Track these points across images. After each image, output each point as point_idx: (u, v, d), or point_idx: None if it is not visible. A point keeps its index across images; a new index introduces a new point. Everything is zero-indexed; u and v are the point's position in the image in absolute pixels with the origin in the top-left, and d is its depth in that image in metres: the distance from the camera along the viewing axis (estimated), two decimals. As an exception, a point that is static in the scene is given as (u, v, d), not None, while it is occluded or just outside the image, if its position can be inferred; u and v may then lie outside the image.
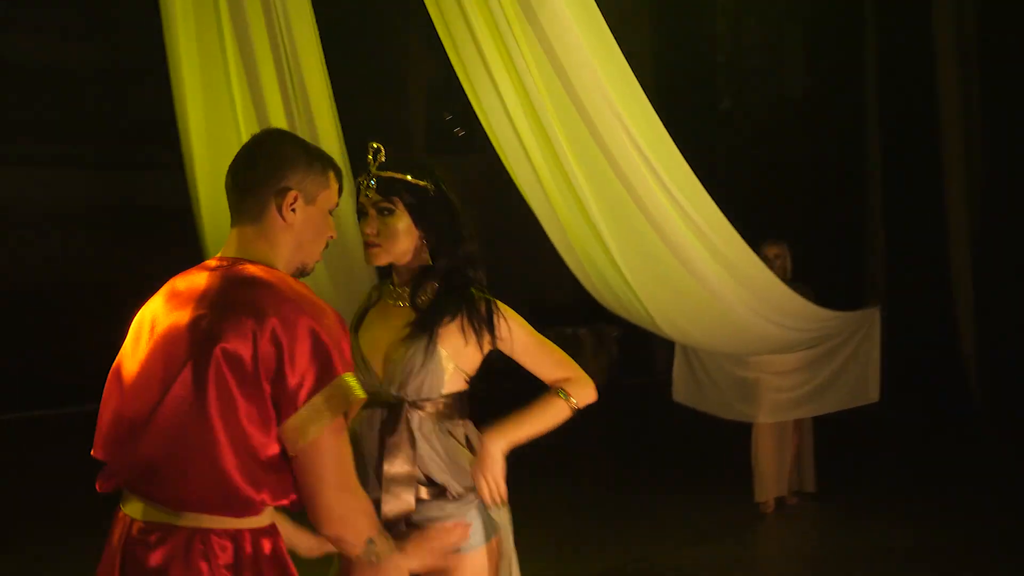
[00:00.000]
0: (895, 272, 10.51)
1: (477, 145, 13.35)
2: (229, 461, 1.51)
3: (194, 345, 1.55)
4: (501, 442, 2.13)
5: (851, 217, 10.56)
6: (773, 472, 5.23)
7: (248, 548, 1.57)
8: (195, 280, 1.66)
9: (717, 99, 11.64)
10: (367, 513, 1.69)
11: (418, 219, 2.13)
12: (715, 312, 3.66)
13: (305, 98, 3.54)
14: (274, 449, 1.56)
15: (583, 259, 3.59)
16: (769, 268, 5.34)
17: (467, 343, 2.13)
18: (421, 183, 2.13)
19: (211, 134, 3.66)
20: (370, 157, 2.16)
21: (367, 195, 2.14)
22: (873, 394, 5.17)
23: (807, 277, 5.33)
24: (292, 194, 1.70)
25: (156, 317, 1.66)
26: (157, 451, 1.55)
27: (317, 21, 3.64)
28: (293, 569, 1.67)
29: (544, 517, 5.46)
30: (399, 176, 2.13)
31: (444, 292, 2.15)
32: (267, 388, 1.53)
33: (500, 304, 2.18)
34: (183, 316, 1.60)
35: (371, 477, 2.09)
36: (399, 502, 2.08)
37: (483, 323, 2.12)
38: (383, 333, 2.16)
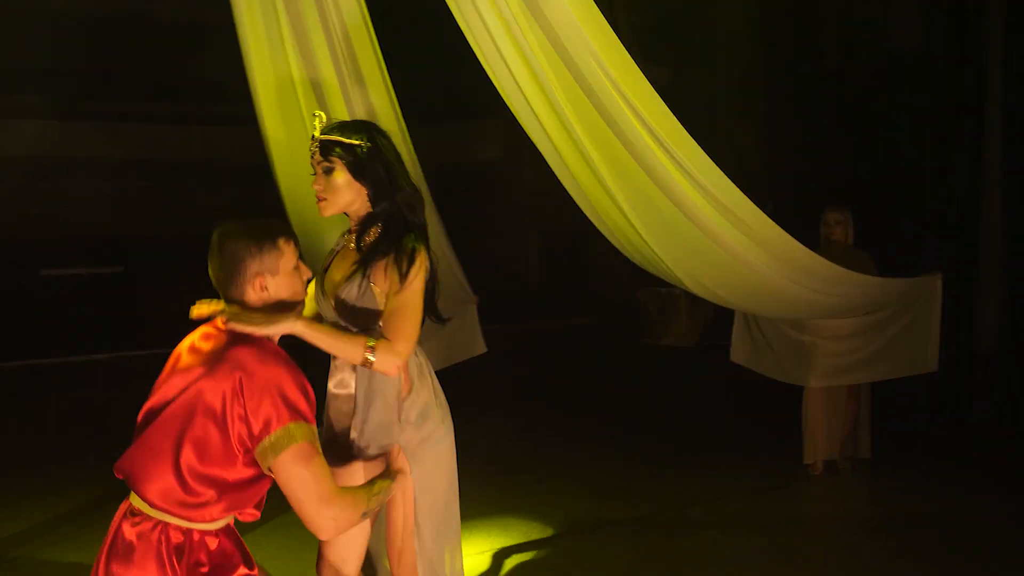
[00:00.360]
0: (1015, 239, 10.04)
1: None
2: (181, 486, 1.94)
3: (187, 390, 1.97)
4: (298, 324, 2.14)
5: (964, 180, 10.12)
6: (822, 435, 5.31)
7: (195, 540, 1.99)
8: (208, 336, 2.07)
9: (825, 55, 11.28)
10: (352, 505, 2.04)
11: (356, 173, 2.44)
12: (736, 273, 3.80)
13: (354, 61, 3.89)
14: (234, 476, 1.96)
15: (606, 221, 3.81)
16: (829, 234, 5.40)
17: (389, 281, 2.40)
18: (355, 141, 2.43)
19: (279, 95, 4.09)
20: (315, 123, 2.47)
21: (313, 157, 2.46)
22: (931, 363, 5.12)
23: (899, 242, 5.30)
24: (259, 280, 2.09)
25: (181, 354, 2.09)
26: (138, 460, 1.99)
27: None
28: (239, 563, 2.05)
29: (601, 463, 5.80)
30: (334, 138, 2.43)
31: (383, 235, 2.45)
32: (233, 428, 1.93)
33: (421, 256, 2.41)
34: (192, 362, 2.02)
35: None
36: (340, 415, 2.51)
37: (403, 266, 2.37)
38: (337, 272, 2.51)
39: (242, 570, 2.03)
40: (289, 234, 2.14)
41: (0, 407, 7.35)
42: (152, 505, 1.97)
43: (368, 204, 2.49)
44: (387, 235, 2.45)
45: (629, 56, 2.99)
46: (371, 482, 2.27)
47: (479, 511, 4.60)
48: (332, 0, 3.77)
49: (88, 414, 7.02)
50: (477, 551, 4.29)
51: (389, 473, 2.41)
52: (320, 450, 1.99)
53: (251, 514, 2.08)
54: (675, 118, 3.16)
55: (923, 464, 5.62)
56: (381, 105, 4.17)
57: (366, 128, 2.50)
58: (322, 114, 2.51)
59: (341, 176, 2.46)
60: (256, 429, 1.92)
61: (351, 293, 2.44)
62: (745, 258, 3.67)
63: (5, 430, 6.66)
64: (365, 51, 3.95)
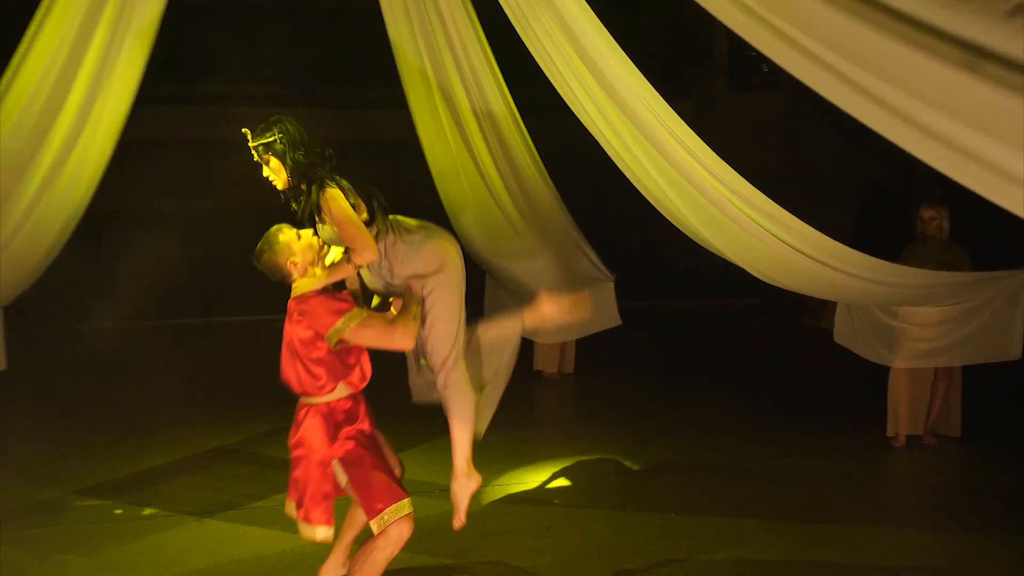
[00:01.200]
0: None
1: (776, 82, 13.65)
2: (295, 374, 3.40)
3: (287, 329, 3.41)
4: (320, 271, 3.49)
5: None
6: (905, 410, 5.85)
7: (333, 406, 3.42)
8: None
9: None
10: (406, 322, 3.40)
11: (279, 158, 3.42)
12: (776, 259, 4.54)
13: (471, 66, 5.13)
14: (323, 357, 3.38)
15: (677, 216, 4.73)
16: (924, 229, 5.87)
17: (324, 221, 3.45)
18: (268, 138, 3.40)
19: (423, 88, 5.40)
20: (249, 137, 3.43)
21: (258, 159, 3.46)
22: (1013, 352, 5.51)
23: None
24: (291, 263, 3.46)
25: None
26: (284, 371, 3.45)
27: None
28: (362, 416, 3.48)
29: (706, 419, 6.63)
30: (257, 142, 3.42)
31: (302, 192, 3.44)
32: (312, 333, 3.34)
33: (324, 196, 3.36)
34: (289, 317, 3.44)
35: None
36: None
37: (318, 209, 3.38)
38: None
39: (362, 421, 3.46)
40: (281, 227, 3.44)
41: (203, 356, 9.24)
42: (304, 394, 3.40)
43: (295, 175, 3.46)
44: (301, 192, 3.45)
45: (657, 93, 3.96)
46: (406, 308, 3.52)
47: (582, 445, 5.70)
48: (450, 14, 4.98)
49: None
50: (578, 475, 5.37)
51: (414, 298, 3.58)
52: (366, 314, 3.33)
53: (356, 384, 3.46)
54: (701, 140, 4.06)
55: (1014, 443, 5.98)
56: (496, 104, 5.37)
57: (275, 123, 3.43)
58: (246, 131, 3.48)
59: (272, 163, 3.47)
60: (322, 331, 3.32)
61: (325, 231, 3.51)
62: (772, 244, 4.40)
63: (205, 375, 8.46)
64: (477, 54, 5.16)
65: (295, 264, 3.41)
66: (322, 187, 3.40)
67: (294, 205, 3.48)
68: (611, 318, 7.57)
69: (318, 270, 3.46)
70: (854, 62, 2.71)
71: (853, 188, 14.73)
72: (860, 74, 2.71)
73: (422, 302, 3.55)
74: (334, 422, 3.40)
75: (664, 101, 4.01)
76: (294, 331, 3.34)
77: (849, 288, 4.89)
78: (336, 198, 3.38)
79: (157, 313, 9.97)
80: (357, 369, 3.44)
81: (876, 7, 2.51)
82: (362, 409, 3.51)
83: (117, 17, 4.85)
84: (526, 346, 7.85)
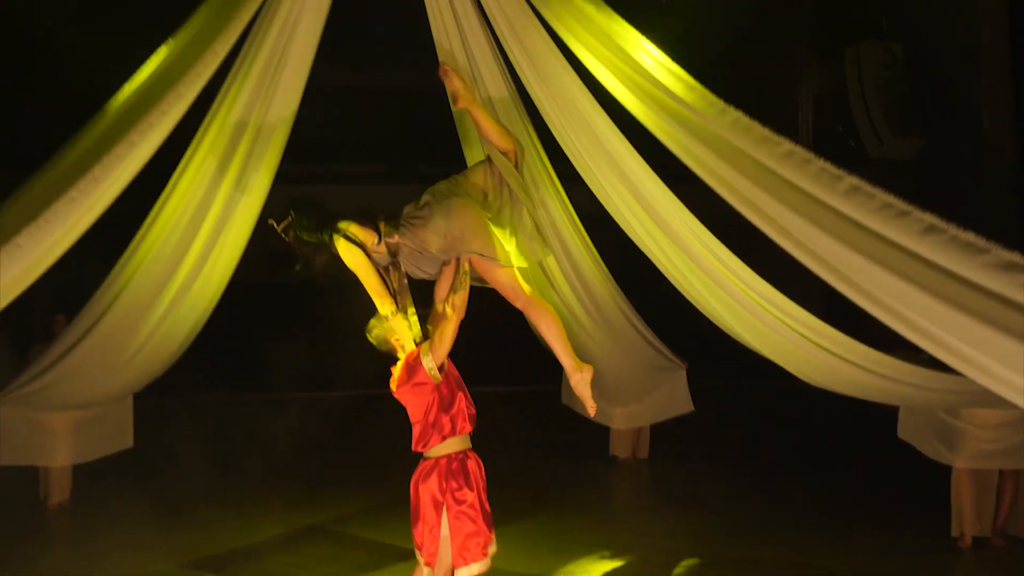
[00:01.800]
0: None
1: (865, 158, 13.74)
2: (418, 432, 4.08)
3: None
4: None
5: None
6: (970, 510, 5.88)
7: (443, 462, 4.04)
8: None
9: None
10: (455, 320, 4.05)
11: (292, 235, 4.07)
12: (815, 364, 4.81)
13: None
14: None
15: (712, 318, 5.12)
16: None
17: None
18: (281, 224, 4.07)
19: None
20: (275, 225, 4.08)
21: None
22: (1080, 457, 5.53)
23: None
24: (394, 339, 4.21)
25: None
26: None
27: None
28: (462, 478, 4.00)
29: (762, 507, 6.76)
30: (275, 228, 4.08)
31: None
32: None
33: (338, 242, 4.00)
34: None
35: None
36: None
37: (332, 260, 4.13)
38: None
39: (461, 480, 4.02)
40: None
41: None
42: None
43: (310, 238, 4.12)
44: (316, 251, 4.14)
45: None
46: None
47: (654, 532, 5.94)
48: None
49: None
50: (648, 566, 5.64)
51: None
52: (425, 345, 4.04)
53: (462, 428, 4.07)
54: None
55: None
56: (557, 210, 5.95)
57: (287, 207, 4.10)
58: (272, 221, 4.13)
59: (289, 237, 4.13)
60: (425, 380, 4.08)
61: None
62: (825, 357, 4.71)
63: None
64: (535, 163, 5.78)
65: (397, 341, 4.04)
66: (331, 239, 4.01)
67: (319, 267, 4.10)
68: (684, 404, 7.85)
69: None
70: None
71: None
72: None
73: (464, 270, 4.03)
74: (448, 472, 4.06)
75: (702, 224, 4.44)
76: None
77: (901, 394, 5.08)
78: (345, 250, 4.00)
79: (268, 386, 10.64)
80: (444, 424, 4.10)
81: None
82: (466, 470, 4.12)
83: (243, 166, 5.59)
84: (601, 431, 8.27)
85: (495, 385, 10.66)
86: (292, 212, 4.06)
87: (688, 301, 5.65)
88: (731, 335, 5.29)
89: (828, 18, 13.42)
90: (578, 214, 6.35)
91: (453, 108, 4.00)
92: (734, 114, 3.96)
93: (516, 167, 4.09)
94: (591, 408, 4.18)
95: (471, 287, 4.11)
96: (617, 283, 6.92)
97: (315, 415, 10.20)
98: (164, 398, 9.77)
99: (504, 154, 4.13)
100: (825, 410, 10.31)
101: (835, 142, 15.19)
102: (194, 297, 6.10)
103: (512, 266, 4.01)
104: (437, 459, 4.02)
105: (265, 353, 10.31)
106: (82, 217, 4.26)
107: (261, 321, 11.19)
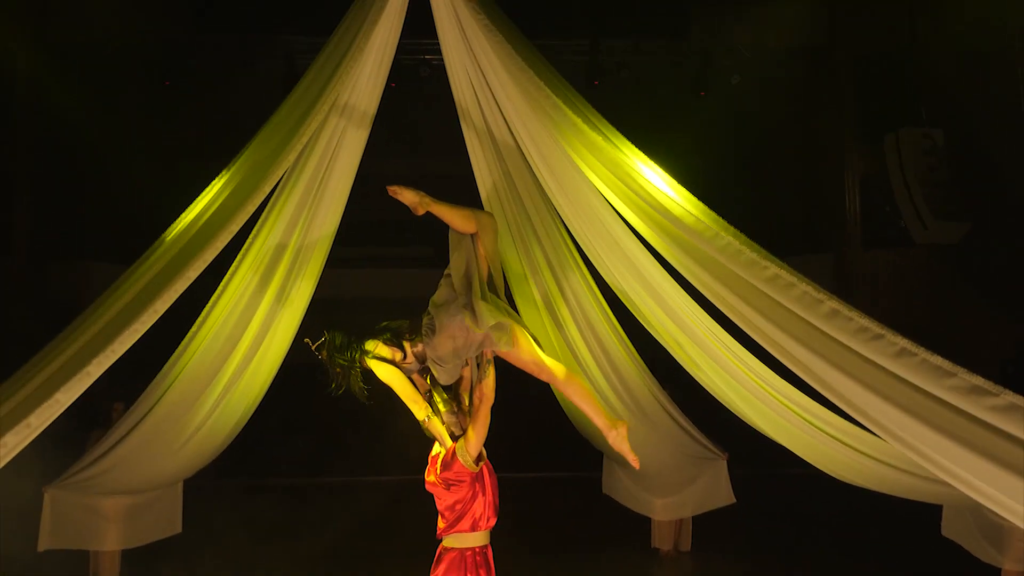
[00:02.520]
0: None
1: (913, 240, 13.67)
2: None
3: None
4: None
5: None
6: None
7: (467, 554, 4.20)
8: None
9: None
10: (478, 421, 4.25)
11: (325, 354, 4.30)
12: (839, 459, 4.82)
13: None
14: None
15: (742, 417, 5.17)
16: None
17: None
18: (315, 344, 4.32)
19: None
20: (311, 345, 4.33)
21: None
22: None
23: None
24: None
25: None
26: None
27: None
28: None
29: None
30: (310, 346, 4.34)
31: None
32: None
33: (368, 361, 4.27)
34: None
35: None
36: None
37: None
38: None
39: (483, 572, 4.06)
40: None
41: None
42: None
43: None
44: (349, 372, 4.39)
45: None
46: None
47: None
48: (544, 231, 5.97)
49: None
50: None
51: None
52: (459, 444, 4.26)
53: (488, 522, 4.21)
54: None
55: None
56: (591, 310, 6.19)
57: (325, 346, 4.36)
58: (308, 341, 4.41)
59: (325, 358, 4.35)
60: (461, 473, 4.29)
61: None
62: (850, 455, 4.72)
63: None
64: (573, 272, 6.10)
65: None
66: (361, 359, 4.26)
67: (355, 386, 4.29)
68: (725, 496, 7.75)
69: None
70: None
71: (999, 346, 14.22)
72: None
73: (487, 359, 4.19)
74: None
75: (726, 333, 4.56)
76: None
77: (936, 493, 5.04)
78: (376, 367, 4.27)
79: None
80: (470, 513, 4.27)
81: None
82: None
83: (291, 266, 5.88)
84: (642, 522, 8.17)
85: (536, 471, 10.67)
86: (325, 332, 4.35)
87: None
88: (759, 431, 5.34)
89: (869, 104, 13.58)
90: (606, 295, 6.50)
91: (417, 215, 4.40)
92: (725, 239, 4.29)
93: (489, 242, 4.44)
94: (633, 461, 4.30)
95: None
96: (650, 366, 6.99)
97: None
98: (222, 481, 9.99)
99: (473, 236, 4.45)
100: (871, 502, 10.09)
101: (885, 222, 15.19)
102: (242, 388, 6.33)
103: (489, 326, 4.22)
104: (462, 551, 4.09)
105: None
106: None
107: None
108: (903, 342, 3.86)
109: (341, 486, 10.91)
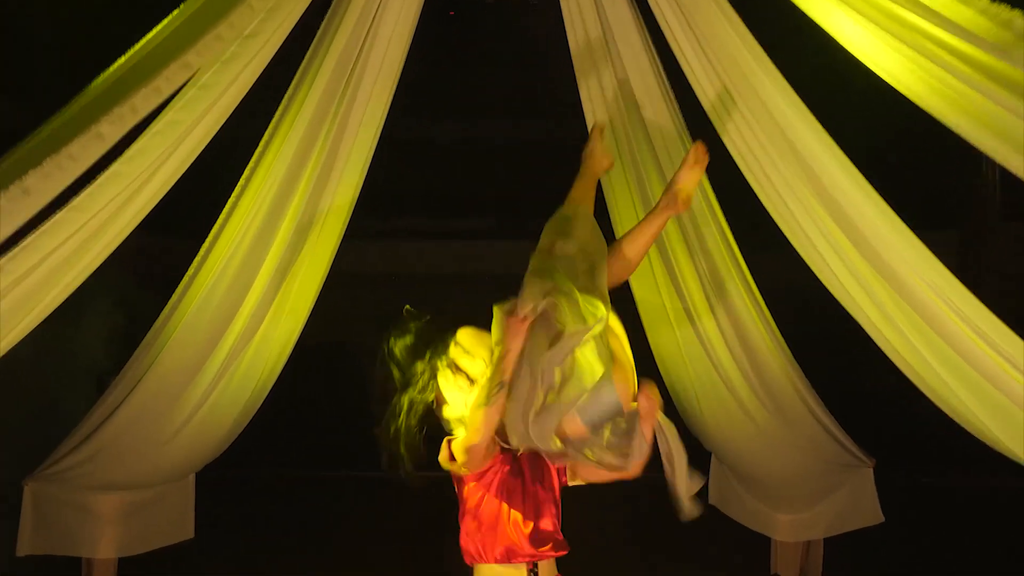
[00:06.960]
0: None
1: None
2: None
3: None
4: None
5: None
6: None
7: None
8: None
9: None
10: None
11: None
12: None
13: None
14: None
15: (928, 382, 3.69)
16: None
17: None
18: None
19: None
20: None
21: None
22: None
23: None
24: None
25: None
26: None
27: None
28: None
29: None
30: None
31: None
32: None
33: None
34: None
35: None
36: None
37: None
38: None
39: None
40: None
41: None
42: None
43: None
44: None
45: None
46: None
47: None
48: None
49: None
50: None
51: None
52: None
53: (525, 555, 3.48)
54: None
55: None
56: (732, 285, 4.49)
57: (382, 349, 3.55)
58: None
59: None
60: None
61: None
62: None
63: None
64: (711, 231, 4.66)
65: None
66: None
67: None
68: (870, 513, 6.12)
69: None
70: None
71: None
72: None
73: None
74: None
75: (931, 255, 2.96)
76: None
77: None
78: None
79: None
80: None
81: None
82: None
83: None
84: (762, 543, 6.71)
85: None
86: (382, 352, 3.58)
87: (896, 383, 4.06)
88: (998, 450, 3.63)
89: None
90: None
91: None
92: None
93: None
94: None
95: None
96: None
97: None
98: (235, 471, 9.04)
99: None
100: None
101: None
102: (248, 365, 5.13)
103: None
104: None
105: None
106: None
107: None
108: None
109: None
